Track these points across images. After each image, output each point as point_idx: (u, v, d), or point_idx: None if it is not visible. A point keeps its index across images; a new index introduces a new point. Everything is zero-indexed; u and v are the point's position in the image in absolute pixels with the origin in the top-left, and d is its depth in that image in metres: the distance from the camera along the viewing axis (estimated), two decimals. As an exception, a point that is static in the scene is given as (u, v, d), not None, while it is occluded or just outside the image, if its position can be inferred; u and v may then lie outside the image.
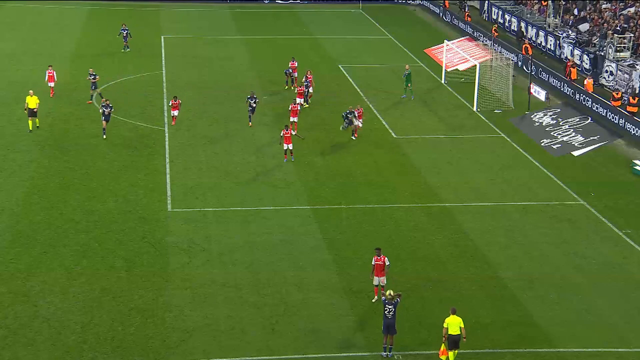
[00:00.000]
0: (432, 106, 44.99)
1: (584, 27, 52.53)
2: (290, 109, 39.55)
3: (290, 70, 46.41)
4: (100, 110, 37.68)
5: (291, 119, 39.13)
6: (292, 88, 45.20)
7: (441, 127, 41.61)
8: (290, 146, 35.71)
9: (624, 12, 52.27)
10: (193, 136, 38.82)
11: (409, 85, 45.34)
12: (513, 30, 59.99)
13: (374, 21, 66.83)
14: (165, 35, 58.96)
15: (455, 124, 42.29)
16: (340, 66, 51.93)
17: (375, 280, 24.77)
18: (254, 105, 39.90)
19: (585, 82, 45.66)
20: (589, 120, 42.30)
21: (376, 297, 24.87)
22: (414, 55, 55.76)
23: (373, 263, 24.74)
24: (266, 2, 72.81)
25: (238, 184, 33.74)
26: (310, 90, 43.26)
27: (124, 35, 53.65)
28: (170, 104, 40.26)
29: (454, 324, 21.71)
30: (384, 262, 24.58)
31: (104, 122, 37.79)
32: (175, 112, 39.98)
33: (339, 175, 34.94)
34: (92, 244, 28.29)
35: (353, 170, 35.41)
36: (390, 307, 22.22)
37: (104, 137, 37.61)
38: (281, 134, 36.12)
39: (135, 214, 30.76)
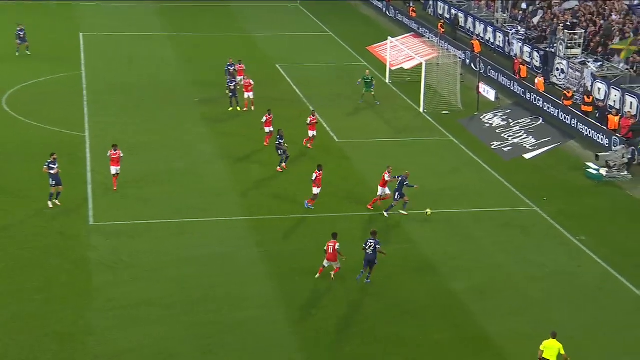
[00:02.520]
0: (376, 108, 45.25)
1: (537, 18, 53.50)
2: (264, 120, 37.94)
3: (233, 79, 43.07)
4: (45, 167, 31.72)
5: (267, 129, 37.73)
6: (238, 109, 42.46)
7: (386, 130, 41.88)
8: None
9: (566, 5, 53.33)
10: (117, 143, 38.23)
11: (372, 91, 45.03)
12: (446, 18, 60.70)
13: (313, 16, 66.99)
14: (83, 33, 58.10)
15: (401, 126, 42.59)
16: (277, 65, 51.85)
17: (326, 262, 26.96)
18: (284, 149, 35.45)
19: (536, 81, 46.54)
20: (541, 121, 43.06)
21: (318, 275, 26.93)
22: (356, 52, 56.05)
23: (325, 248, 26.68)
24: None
25: (168, 193, 33.40)
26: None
27: (21, 36, 51.62)
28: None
29: (551, 348, 21.49)
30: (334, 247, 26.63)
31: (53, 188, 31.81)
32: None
33: (276, 182, 34.88)
34: (3, 264, 27.61)
35: (292, 176, 35.38)
36: (371, 242, 26.11)
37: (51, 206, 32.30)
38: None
39: (53, 229, 30.19)
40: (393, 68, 49.01)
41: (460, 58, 49.97)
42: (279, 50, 56.12)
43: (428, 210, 31.35)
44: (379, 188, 32.08)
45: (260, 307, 25.54)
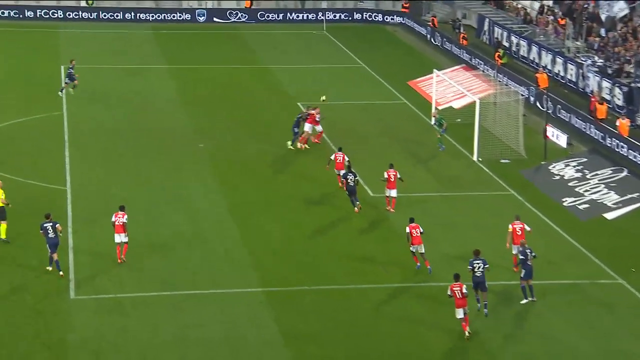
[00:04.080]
0: (420, 155, 45.28)
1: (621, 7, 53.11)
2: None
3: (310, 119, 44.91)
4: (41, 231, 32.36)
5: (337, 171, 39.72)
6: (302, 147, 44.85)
7: (432, 183, 41.79)
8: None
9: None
10: (104, 198, 38.58)
11: (442, 132, 45.72)
12: (505, 47, 60.98)
13: (342, 45, 67.54)
14: (65, 65, 58.92)
15: (450, 178, 42.49)
16: (300, 104, 52.18)
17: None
18: (353, 183, 37.42)
19: (617, 123, 46.41)
20: (625, 173, 42.81)
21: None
22: (395, 88, 56.15)
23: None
24: (201, 20, 73.38)
25: (164, 258, 33.38)
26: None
27: (72, 74, 52.03)
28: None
29: None
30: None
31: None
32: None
33: (299, 246, 34.82)
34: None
35: (319, 239, 35.30)
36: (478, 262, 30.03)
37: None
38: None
39: (26, 304, 30.15)
40: (440, 107, 48.98)
41: (522, 95, 49.96)
42: (301, 85, 56.53)
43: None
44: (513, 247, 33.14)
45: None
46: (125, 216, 32.73)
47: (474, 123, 45.20)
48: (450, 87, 49.21)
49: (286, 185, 40.69)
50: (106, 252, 33.42)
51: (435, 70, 51.18)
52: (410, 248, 32.61)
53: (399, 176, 37.71)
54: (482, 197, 40.38)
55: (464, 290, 28.49)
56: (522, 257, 30.94)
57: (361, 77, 59.45)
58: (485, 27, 66.73)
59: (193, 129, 48.07)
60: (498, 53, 59.11)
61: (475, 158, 44.88)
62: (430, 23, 69.97)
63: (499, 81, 53.94)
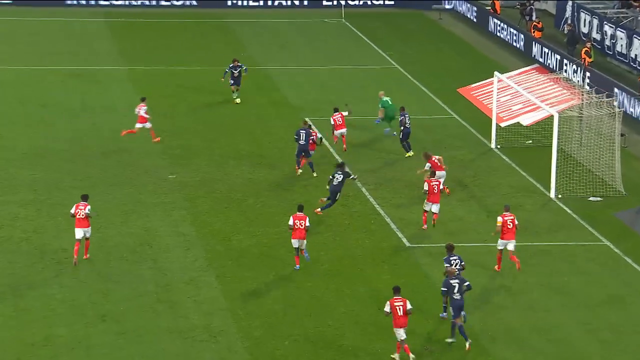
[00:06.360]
0: (475, 190, 45.19)
1: None
2: None
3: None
4: None
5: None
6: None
7: (491, 228, 41.35)
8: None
9: None
10: (39, 251, 38.78)
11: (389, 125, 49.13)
12: (594, 40, 60.92)
13: (366, 38, 67.91)
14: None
15: (520, 223, 42.00)
16: (307, 119, 52.09)
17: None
18: (338, 183, 41.82)
19: None
20: None
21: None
22: (439, 97, 56.26)
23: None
24: (176, 3, 73.86)
25: (121, 335, 33.08)
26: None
27: (235, 75, 54.79)
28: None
29: None
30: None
31: None
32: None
33: (303, 313, 34.66)
34: None
35: (333, 305, 35.15)
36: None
37: None
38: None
39: None
40: (503, 124, 48.92)
41: (620, 108, 49.60)
42: (309, 93, 56.74)
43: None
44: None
45: None
46: (88, 207, 37.07)
47: (550, 146, 44.92)
48: (518, 96, 49.00)
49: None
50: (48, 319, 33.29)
51: (496, 73, 51.04)
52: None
53: (442, 187, 40.69)
54: (562, 248, 40.08)
55: (409, 307, 31.00)
56: (444, 289, 32.48)
57: (393, 82, 59.44)
58: (568, 13, 66.87)
59: (160, 150, 48.35)
60: (586, 49, 58.87)
61: (552, 195, 44.67)
62: (490, 8, 69.98)
63: (588, 88, 53.67)
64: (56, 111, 53.61)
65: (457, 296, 32.16)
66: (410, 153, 47.48)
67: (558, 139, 44.85)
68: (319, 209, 41.48)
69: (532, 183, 45.99)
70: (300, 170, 45.83)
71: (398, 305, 30.99)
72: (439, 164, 42.35)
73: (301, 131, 45.30)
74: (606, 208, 43.73)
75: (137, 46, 65.99)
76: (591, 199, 44.44)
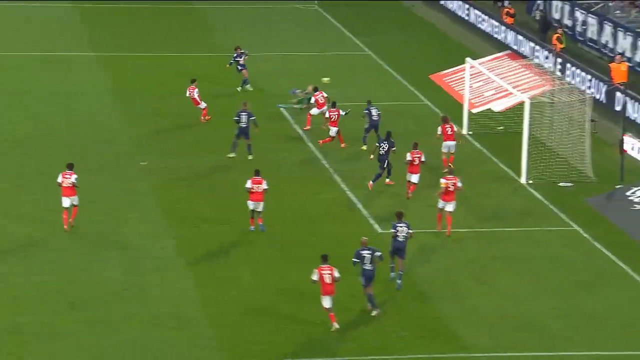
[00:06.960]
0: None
1: None
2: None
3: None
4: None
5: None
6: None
7: (463, 214, 41.43)
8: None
9: None
10: (3, 236, 38.67)
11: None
12: (566, 26, 61.11)
13: (340, 25, 67.87)
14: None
15: (490, 209, 42.37)
16: (280, 107, 52.13)
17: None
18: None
19: None
20: None
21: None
22: (412, 84, 56.31)
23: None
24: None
25: (89, 323, 32.80)
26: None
27: (240, 62, 55.74)
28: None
29: None
30: None
31: None
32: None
33: (275, 299, 34.47)
34: None
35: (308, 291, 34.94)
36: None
37: None
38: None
39: None
40: (475, 110, 49.07)
41: (590, 93, 49.70)
42: (281, 81, 56.62)
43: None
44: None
45: None
46: (74, 176, 38.52)
47: (521, 132, 45.15)
48: (490, 83, 49.16)
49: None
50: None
51: (468, 59, 51.20)
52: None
53: (423, 159, 42.09)
54: (532, 235, 40.19)
55: (336, 275, 32.02)
56: (355, 259, 33.24)
57: (366, 69, 59.67)
58: (538, 1, 66.83)
59: (133, 137, 48.45)
60: (557, 35, 58.92)
61: (523, 180, 44.79)
62: (462, -7, 70.27)
63: (558, 74, 53.70)
64: (24, 98, 53.71)
65: (368, 266, 33.05)
66: (364, 147, 47.30)
67: (530, 124, 45.00)
68: (371, 182, 43.00)
69: (503, 169, 46.20)
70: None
71: (326, 274, 31.86)
72: (449, 132, 44.63)
73: (241, 113, 46.18)
74: (576, 194, 43.95)
75: (105, 32, 66.01)
76: (561, 184, 44.64)
